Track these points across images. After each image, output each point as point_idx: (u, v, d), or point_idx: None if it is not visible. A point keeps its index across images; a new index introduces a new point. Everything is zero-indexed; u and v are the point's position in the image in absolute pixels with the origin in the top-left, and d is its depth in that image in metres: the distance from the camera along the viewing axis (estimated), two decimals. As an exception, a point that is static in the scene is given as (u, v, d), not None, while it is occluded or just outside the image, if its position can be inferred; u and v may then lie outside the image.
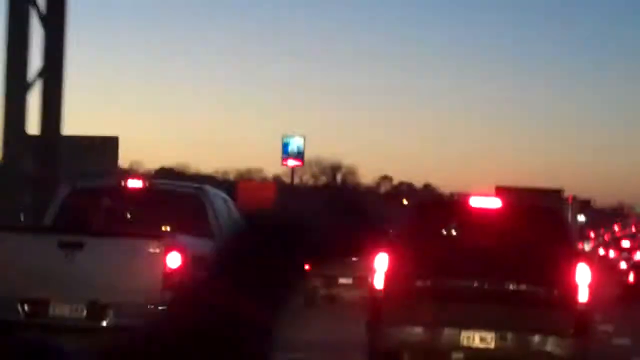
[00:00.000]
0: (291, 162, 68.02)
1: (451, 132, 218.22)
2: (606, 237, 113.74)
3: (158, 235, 9.39)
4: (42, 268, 9.19)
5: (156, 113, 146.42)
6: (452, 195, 11.32)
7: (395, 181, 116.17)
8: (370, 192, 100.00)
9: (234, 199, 11.88)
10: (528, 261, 9.98)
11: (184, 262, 8.92)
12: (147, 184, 10.71)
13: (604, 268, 50.35)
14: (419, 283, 10.06)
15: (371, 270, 10.16)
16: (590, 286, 9.77)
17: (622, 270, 43.08)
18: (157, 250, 8.95)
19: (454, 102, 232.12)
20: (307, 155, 76.01)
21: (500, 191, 39.48)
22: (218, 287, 0.82)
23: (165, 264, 8.90)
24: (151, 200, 10.35)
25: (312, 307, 20.82)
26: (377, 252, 9.96)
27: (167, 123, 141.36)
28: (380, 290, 10.04)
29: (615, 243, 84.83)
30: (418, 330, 9.92)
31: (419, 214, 11.03)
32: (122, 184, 10.74)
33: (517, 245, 10.18)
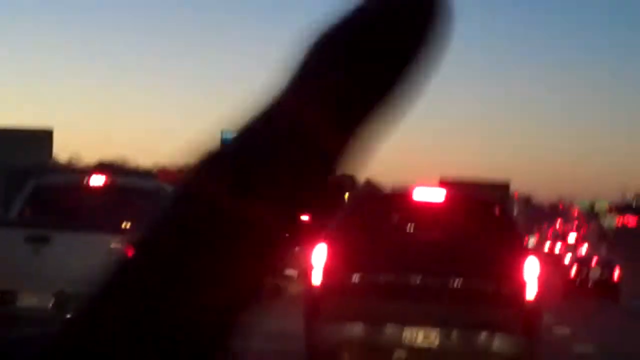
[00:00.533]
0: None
1: (394, 127, 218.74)
2: (549, 233, 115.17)
3: (120, 230, 9.87)
4: (9, 261, 9.71)
5: (95, 105, 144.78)
6: (394, 188, 10.76)
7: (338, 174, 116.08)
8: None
9: None
10: (474, 256, 9.59)
11: None
12: (109, 180, 11.20)
13: (549, 263, 48.92)
14: (359, 278, 9.61)
15: (309, 264, 9.74)
16: (538, 281, 9.39)
17: (566, 265, 44.63)
18: (120, 244, 9.43)
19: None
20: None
21: (444, 184, 39.25)
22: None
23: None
24: (114, 196, 10.88)
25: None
26: (315, 244, 9.52)
27: (107, 115, 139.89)
28: (318, 285, 9.56)
29: (561, 238, 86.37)
30: (358, 327, 9.47)
31: (361, 206, 10.59)
32: (86, 180, 11.23)
33: (463, 240, 9.78)
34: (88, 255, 9.37)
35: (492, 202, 10.68)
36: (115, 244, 9.53)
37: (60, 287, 9.52)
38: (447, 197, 10.08)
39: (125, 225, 10.25)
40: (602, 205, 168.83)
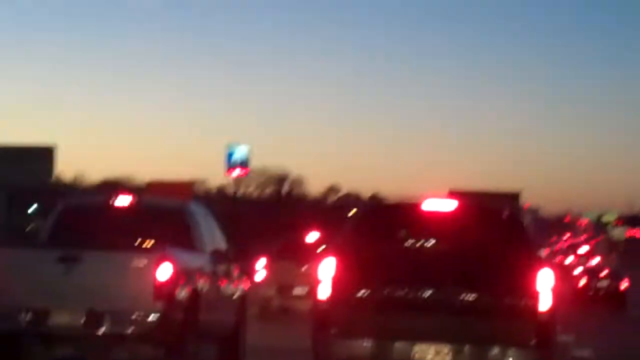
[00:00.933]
0: (236, 172, 67.12)
1: (400, 142, 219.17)
2: (558, 245, 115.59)
3: (149, 249, 10.44)
4: (42, 280, 10.10)
5: (99, 123, 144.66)
6: (402, 198, 10.31)
7: (344, 192, 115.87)
8: (318, 204, 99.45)
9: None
10: (486, 268, 9.30)
11: (174, 273, 9.92)
12: (135, 201, 11.71)
13: (561, 275, 49.70)
14: (367, 292, 9.30)
15: (316, 279, 9.45)
16: (553, 293, 9.10)
17: (575, 275, 45.82)
18: (149, 263, 9.86)
19: (403, 112, 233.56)
20: (253, 165, 75.33)
21: (454, 195, 38.54)
22: None
23: (156, 276, 9.85)
24: (139, 216, 11.44)
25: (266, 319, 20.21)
26: (322, 259, 9.25)
27: (111, 133, 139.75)
28: (325, 301, 9.28)
29: (572, 250, 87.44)
30: (367, 343, 9.17)
31: (369, 218, 10.13)
32: (112, 200, 11.74)
33: (475, 251, 9.49)
34: (117, 274, 9.95)
35: (504, 211, 10.12)
36: (142, 262, 9.92)
37: (91, 305, 9.96)
38: (457, 207, 9.75)
39: (152, 244, 10.80)
40: (610, 217, 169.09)
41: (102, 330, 9.94)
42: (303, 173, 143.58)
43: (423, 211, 9.84)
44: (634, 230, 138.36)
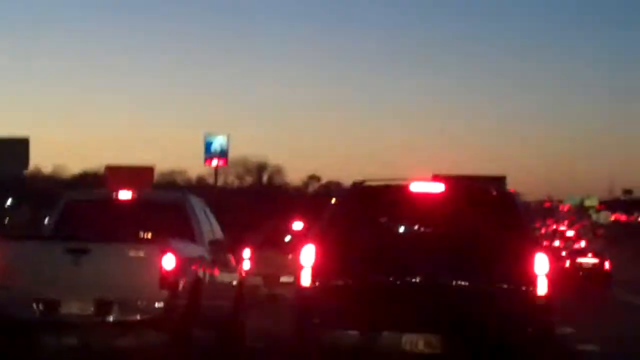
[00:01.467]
0: (215, 162, 66.66)
1: (381, 129, 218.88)
2: (543, 230, 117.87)
3: (153, 241, 10.92)
4: (51, 272, 10.48)
5: (76, 115, 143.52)
6: (387, 181, 9.66)
7: (324, 180, 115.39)
8: (299, 192, 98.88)
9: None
10: (479, 253, 8.77)
11: (177, 263, 10.44)
12: (136, 195, 12.28)
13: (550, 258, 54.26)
14: (352, 280, 8.75)
15: (299, 266, 8.95)
16: (548, 278, 8.60)
17: (562, 257, 48.70)
18: (153, 254, 10.38)
19: (383, 100, 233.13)
20: (232, 155, 74.69)
21: (438, 179, 38.51)
22: None
23: (160, 266, 10.36)
24: (142, 209, 12.08)
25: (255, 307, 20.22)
26: (304, 245, 8.71)
27: (88, 125, 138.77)
28: (307, 289, 8.72)
29: (560, 234, 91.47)
30: (353, 333, 8.60)
31: (353, 202, 9.57)
32: (114, 195, 12.31)
33: (466, 235, 8.94)
34: (123, 265, 10.41)
35: (495, 192, 9.59)
36: (147, 253, 10.42)
37: (100, 295, 10.37)
38: (446, 188, 9.21)
39: (155, 236, 11.37)
40: (591, 202, 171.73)
41: (110, 318, 10.36)
42: (282, 162, 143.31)
43: (410, 193, 9.31)
44: (618, 214, 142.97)
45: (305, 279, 8.84)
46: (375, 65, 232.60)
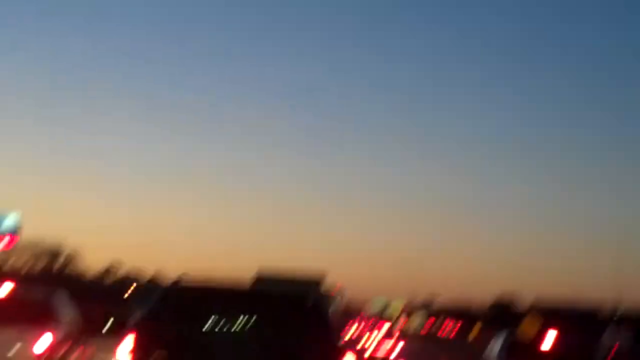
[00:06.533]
0: (4, 241, 65.01)
1: (192, 217, 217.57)
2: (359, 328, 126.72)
3: (32, 325, 14.06)
4: None
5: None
6: (202, 281, 11.00)
7: (124, 271, 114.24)
8: (97, 283, 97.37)
9: None
10: (285, 353, 9.48)
11: (51, 342, 13.79)
12: (13, 290, 15.33)
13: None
14: None
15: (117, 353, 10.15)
16: None
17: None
18: (32, 336, 13.66)
19: (190, 183, 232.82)
20: (24, 236, 72.97)
21: (261, 279, 40.69)
22: None
23: (36, 345, 13.67)
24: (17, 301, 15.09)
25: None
26: (125, 334, 9.95)
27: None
28: None
29: (373, 329, 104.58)
30: None
31: (170, 296, 10.81)
32: None
33: (273, 335, 9.94)
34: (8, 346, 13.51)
35: (306, 299, 10.88)
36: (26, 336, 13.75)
37: None
38: (259, 291, 9.87)
39: (26, 322, 14.25)
40: (397, 305, 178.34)
41: None
42: (80, 246, 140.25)
43: (225, 292, 10.52)
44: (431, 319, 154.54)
45: None
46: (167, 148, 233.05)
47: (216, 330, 10.23)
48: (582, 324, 27.67)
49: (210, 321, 10.41)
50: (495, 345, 19.22)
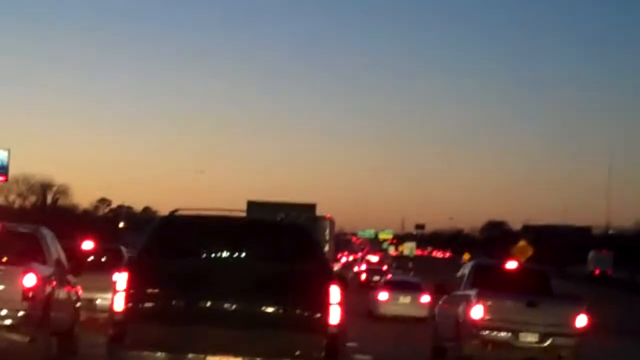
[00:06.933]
0: (-6, 178, 65.03)
1: (180, 151, 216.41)
2: (345, 259, 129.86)
3: (18, 263, 14.09)
4: None
5: None
6: (196, 211, 11.08)
7: (114, 205, 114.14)
8: (88, 215, 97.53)
9: None
10: (277, 282, 9.98)
11: (36, 281, 13.81)
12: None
13: (352, 277, 73.53)
14: (162, 304, 9.81)
15: (113, 290, 10.00)
16: (341, 307, 9.90)
17: (361, 271, 70.15)
18: (18, 273, 13.67)
19: (179, 120, 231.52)
20: (13, 173, 73.12)
21: (252, 206, 39.93)
22: None
23: (23, 283, 13.67)
24: (4, 237, 15.22)
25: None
26: (118, 270, 9.61)
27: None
28: (120, 312, 9.71)
29: (364, 260, 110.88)
30: (160, 355, 9.66)
31: (164, 231, 10.76)
32: None
33: (267, 265, 10.18)
34: None
35: (295, 226, 11.34)
36: (13, 273, 13.64)
37: None
38: (251, 221, 10.41)
39: (18, 259, 14.29)
40: (386, 235, 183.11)
41: None
42: (69, 182, 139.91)
43: (219, 224, 10.66)
44: (420, 250, 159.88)
45: (118, 304, 9.80)
46: (181, 87, 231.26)
47: (212, 261, 10.50)
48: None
49: (205, 253, 10.56)
50: (466, 266, 20.19)
